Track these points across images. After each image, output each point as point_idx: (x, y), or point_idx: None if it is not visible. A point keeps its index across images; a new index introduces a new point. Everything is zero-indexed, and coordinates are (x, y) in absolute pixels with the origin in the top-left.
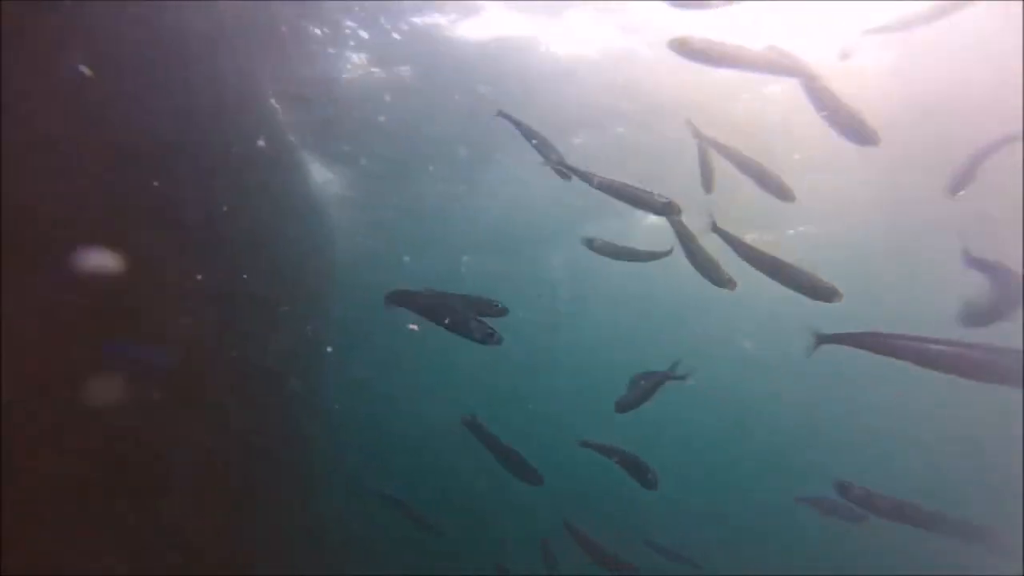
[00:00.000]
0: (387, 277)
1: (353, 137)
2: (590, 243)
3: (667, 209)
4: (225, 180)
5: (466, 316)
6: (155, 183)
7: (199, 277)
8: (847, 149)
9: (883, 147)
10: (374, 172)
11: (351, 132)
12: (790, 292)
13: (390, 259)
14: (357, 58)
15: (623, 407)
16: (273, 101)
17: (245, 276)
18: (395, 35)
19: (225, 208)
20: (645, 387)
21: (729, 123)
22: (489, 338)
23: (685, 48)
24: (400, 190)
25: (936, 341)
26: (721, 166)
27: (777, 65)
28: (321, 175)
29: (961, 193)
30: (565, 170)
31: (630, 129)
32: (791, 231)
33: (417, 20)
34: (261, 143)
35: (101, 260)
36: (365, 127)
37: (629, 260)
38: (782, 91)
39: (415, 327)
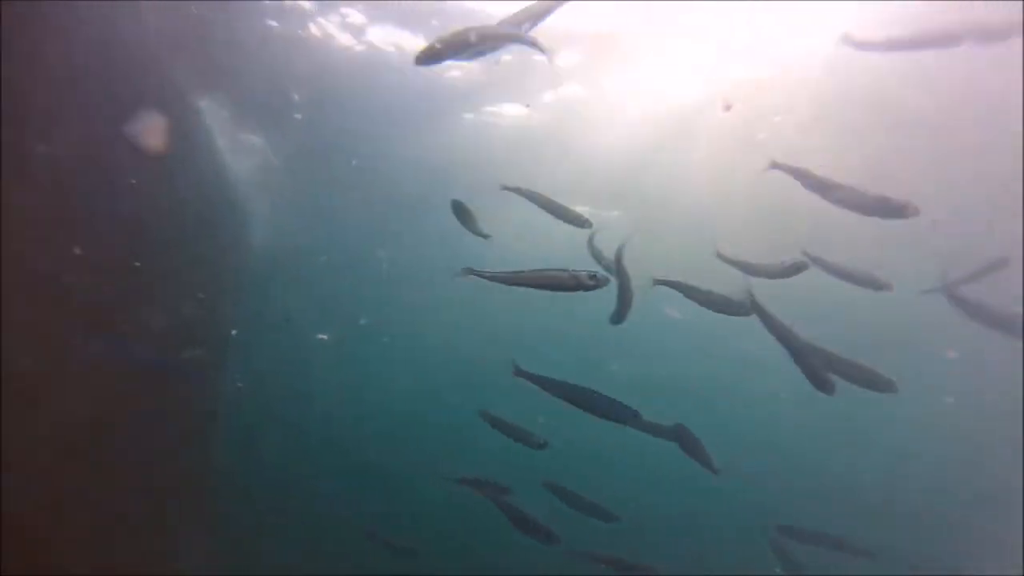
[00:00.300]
0: (304, 272)
1: (270, 122)
2: (456, 208)
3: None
4: (117, 148)
5: (608, 401)
6: (40, 147)
7: (77, 251)
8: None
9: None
10: (292, 162)
11: (268, 117)
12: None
13: (308, 252)
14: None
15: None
16: (183, 78)
17: (134, 251)
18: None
19: (113, 178)
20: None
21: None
22: (635, 418)
23: (431, 55)
24: (320, 179)
25: None
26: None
27: (505, 36)
28: (239, 160)
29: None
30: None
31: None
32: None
33: None
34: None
35: None
36: (282, 115)
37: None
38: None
39: (324, 336)
